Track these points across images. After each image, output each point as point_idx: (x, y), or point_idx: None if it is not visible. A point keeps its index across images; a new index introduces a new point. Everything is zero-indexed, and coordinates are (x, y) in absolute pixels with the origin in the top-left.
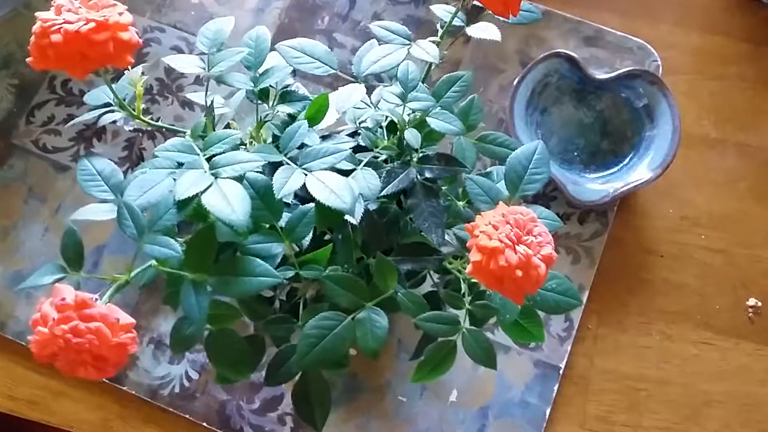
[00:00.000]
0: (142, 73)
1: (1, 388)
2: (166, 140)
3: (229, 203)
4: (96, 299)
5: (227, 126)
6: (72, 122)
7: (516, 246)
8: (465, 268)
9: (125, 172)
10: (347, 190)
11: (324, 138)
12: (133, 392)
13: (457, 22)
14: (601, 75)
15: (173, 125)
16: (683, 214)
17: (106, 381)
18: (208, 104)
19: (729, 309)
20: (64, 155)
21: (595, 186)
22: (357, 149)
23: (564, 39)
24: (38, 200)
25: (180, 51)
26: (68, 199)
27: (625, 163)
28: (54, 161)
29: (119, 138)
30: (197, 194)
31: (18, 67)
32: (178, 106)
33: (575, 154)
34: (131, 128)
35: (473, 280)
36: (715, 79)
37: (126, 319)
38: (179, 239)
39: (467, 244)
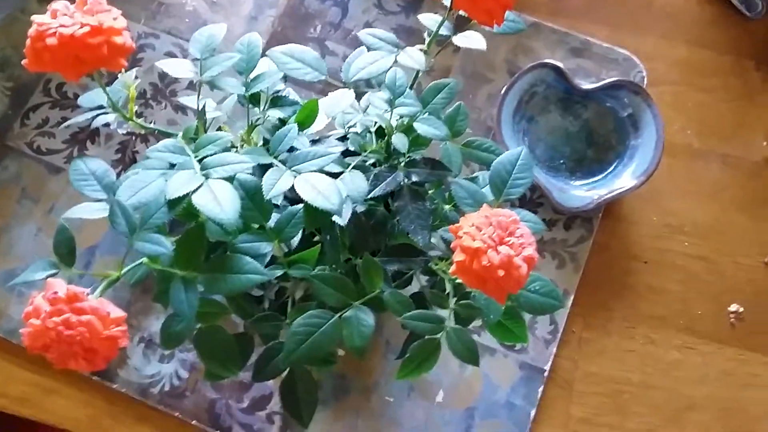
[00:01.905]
0: (136, 77)
1: None
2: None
3: (219, 203)
4: (87, 293)
5: (219, 129)
6: (66, 123)
7: (498, 247)
8: (450, 269)
9: (118, 175)
10: (335, 192)
11: (314, 142)
12: (124, 390)
13: (444, 31)
14: (587, 85)
15: (164, 128)
16: (667, 221)
17: (97, 379)
18: (200, 108)
19: (711, 314)
20: (57, 157)
21: (581, 193)
22: (346, 153)
23: (551, 49)
24: (31, 201)
25: (174, 56)
26: (61, 200)
27: (609, 171)
28: (48, 163)
29: (112, 141)
30: (188, 193)
31: (13, 71)
32: (171, 111)
33: (561, 161)
34: (124, 132)
35: (458, 281)
36: (699, 91)
37: (117, 312)
38: (170, 238)
39: (451, 245)
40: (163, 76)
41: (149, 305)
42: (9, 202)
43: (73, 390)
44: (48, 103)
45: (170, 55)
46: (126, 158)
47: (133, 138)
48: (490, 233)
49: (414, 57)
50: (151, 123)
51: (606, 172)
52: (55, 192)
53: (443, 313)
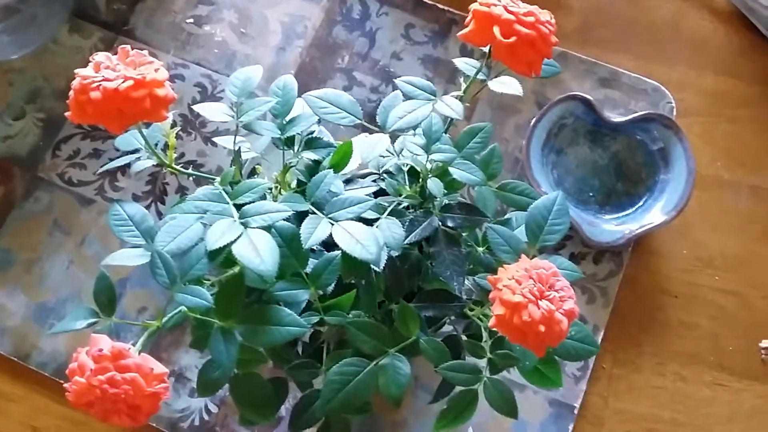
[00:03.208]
0: (174, 124)
1: (23, 417)
2: (188, 177)
3: (259, 253)
4: (130, 348)
5: (253, 170)
6: (105, 167)
7: (539, 301)
8: (485, 315)
9: (148, 206)
10: (373, 240)
11: (347, 182)
12: (154, 424)
13: (479, 75)
14: (616, 117)
15: (201, 173)
16: (697, 255)
17: None
18: (236, 150)
19: (742, 350)
20: (89, 189)
21: (611, 227)
22: (378, 193)
23: (579, 80)
24: (63, 233)
25: (203, 87)
26: (93, 232)
27: (640, 205)
28: (79, 194)
29: (143, 172)
30: (228, 244)
31: (45, 102)
32: (201, 142)
33: (590, 194)
34: (155, 163)
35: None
36: (728, 122)
37: (160, 369)
38: (206, 280)
39: (490, 297)
40: (192, 106)
41: (178, 338)
42: (40, 234)
43: (105, 425)
44: (79, 134)
45: (200, 86)
46: (156, 189)
47: (163, 169)
48: (530, 287)
49: (452, 106)
50: (181, 155)
51: (636, 206)
52: (86, 223)
53: (478, 361)
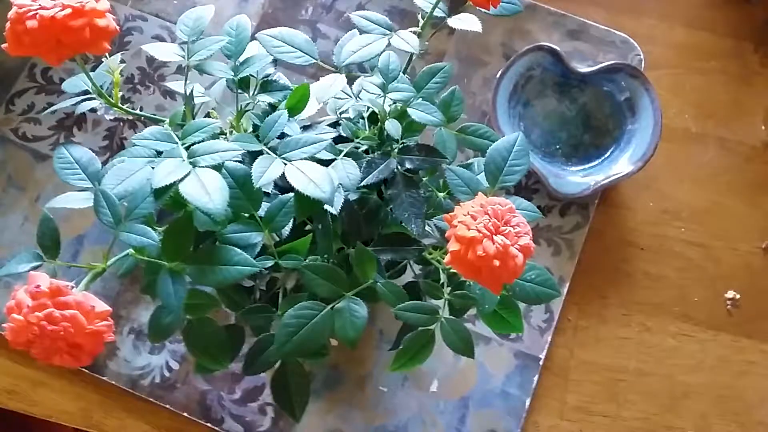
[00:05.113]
0: (122, 61)
1: None
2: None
3: (207, 192)
4: (72, 287)
5: (207, 115)
6: (49, 110)
7: (494, 236)
8: (444, 259)
9: (105, 162)
10: (326, 180)
11: (305, 128)
12: (114, 382)
13: (438, 12)
14: (584, 68)
15: (152, 114)
16: (663, 207)
17: (86, 371)
18: (187, 93)
19: (708, 301)
20: (44, 144)
21: (577, 179)
22: (338, 140)
23: (548, 32)
24: (17, 189)
25: (162, 40)
26: (48, 189)
27: (606, 156)
28: (34, 150)
29: (100, 127)
30: (175, 182)
31: None
32: (159, 96)
33: (557, 147)
34: (112, 117)
35: (452, 271)
36: (697, 74)
37: (102, 306)
38: (158, 228)
39: (446, 235)
40: (151, 60)
41: (138, 295)
42: None
43: (63, 382)
44: (33, 88)
45: (158, 38)
46: (114, 145)
47: (121, 124)
48: (485, 222)
49: (407, 40)
50: (138, 108)
51: (603, 158)
52: (41, 180)
53: (437, 303)
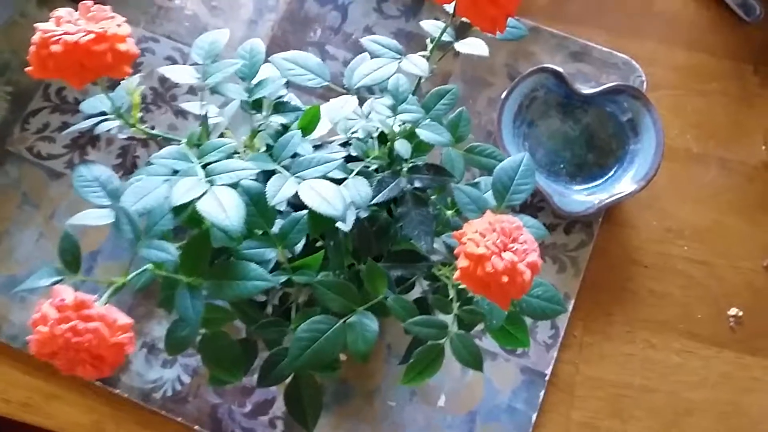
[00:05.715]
0: (139, 83)
1: None
2: (159, 149)
3: (224, 209)
4: (94, 300)
5: (222, 135)
6: (68, 130)
7: (502, 253)
8: (453, 275)
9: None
10: (339, 198)
11: (316, 148)
12: (126, 395)
13: (446, 37)
14: (586, 90)
15: (167, 134)
16: (666, 226)
17: (99, 384)
18: (203, 114)
19: (711, 318)
20: (58, 162)
21: (581, 197)
22: (348, 159)
23: (551, 54)
24: (32, 206)
25: (174, 61)
26: (62, 206)
27: (609, 175)
28: (48, 168)
29: (113, 146)
30: (193, 200)
31: (13, 75)
32: (171, 115)
33: (561, 166)
34: (125, 136)
35: (461, 287)
36: (698, 95)
37: (124, 319)
38: (175, 244)
39: (455, 251)
40: (163, 80)
41: (151, 310)
42: (9, 207)
43: (76, 395)
44: (48, 107)
45: (170, 59)
46: (127, 163)
47: (134, 143)
48: (494, 239)
49: (417, 64)
50: (151, 128)
51: (606, 177)
52: (55, 197)
53: (446, 318)
